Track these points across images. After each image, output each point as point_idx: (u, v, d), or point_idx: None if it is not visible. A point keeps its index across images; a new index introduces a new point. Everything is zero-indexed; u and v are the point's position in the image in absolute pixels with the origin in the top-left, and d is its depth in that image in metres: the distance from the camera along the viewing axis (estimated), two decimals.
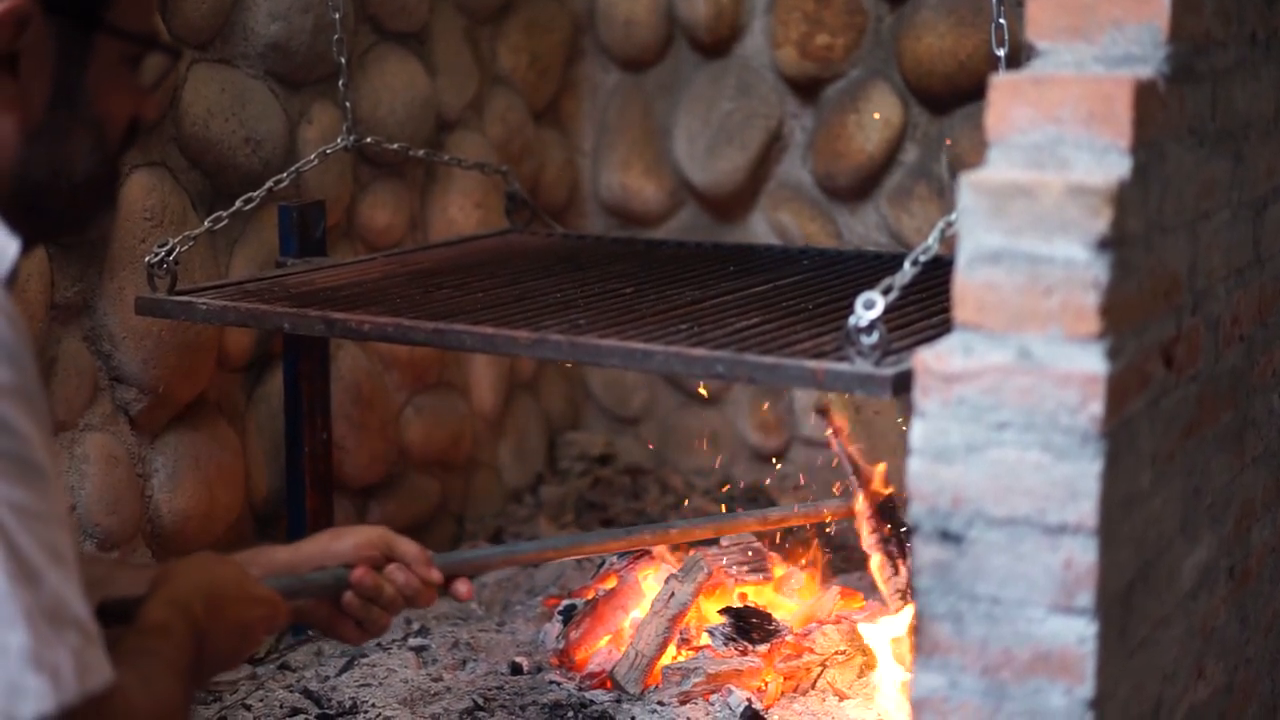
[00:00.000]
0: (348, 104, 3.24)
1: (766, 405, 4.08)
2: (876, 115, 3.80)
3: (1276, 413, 2.55)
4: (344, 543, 2.17)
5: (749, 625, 2.96)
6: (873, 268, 3.03)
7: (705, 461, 4.20)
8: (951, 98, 3.74)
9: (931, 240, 2.18)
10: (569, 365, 4.26)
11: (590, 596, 3.15)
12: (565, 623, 3.11)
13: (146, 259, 2.80)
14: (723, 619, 2.98)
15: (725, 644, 2.93)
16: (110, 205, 1.80)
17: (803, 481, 4.04)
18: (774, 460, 4.10)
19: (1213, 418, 2.18)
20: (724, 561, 3.11)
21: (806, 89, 3.95)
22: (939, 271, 2.85)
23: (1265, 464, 2.50)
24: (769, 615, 2.99)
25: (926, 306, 2.55)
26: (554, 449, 4.27)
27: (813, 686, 2.91)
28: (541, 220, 3.68)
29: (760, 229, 4.05)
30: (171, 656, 1.72)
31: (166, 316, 2.81)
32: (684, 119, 4.11)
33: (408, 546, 2.20)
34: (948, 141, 3.74)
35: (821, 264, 3.12)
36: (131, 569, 2.12)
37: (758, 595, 3.11)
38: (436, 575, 2.20)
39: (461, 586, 2.24)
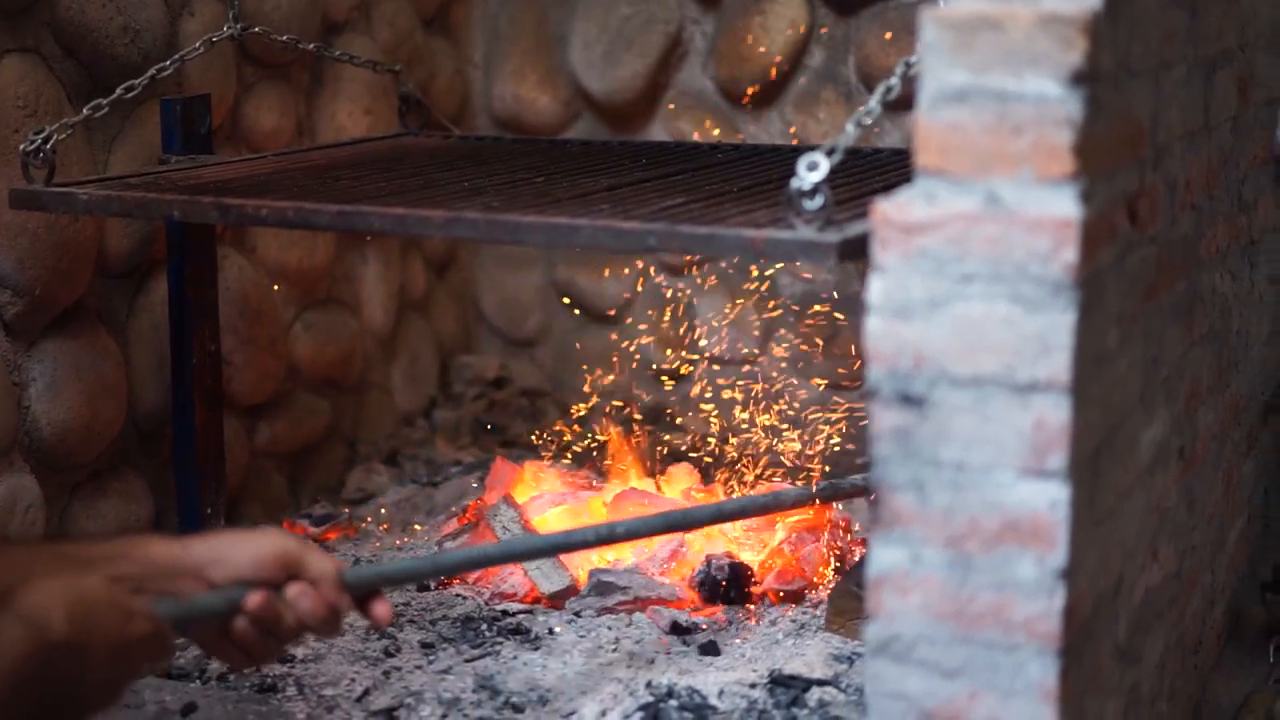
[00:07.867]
0: None
1: (668, 322, 3.95)
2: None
3: (1219, 293, 2.47)
4: (243, 553, 1.81)
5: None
6: (790, 160, 2.90)
7: (606, 383, 4.06)
8: None
9: (884, 90, 2.05)
10: (462, 283, 4.11)
11: None
12: None
13: (21, 147, 2.60)
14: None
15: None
16: None
17: (707, 395, 3.92)
18: (676, 379, 3.97)
19: (1168, 283, 2.08)
20: None
21: None
22: (861, 160, 2.76)
23: (1211, 344, 2.43)
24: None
25: (856, 190, 2.43)
26: (446, 372, 4.11)
27: None
28: (437, 123, 3.51)
29: (661, 138, 3.90)
30: None
31: (43, 209, 2.60)
32: (580, 25, 3.95)
33: (320, 564, 1.83)
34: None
35: (736, 157, 2.98)
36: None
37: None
38: (346, 602, 1.84)
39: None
